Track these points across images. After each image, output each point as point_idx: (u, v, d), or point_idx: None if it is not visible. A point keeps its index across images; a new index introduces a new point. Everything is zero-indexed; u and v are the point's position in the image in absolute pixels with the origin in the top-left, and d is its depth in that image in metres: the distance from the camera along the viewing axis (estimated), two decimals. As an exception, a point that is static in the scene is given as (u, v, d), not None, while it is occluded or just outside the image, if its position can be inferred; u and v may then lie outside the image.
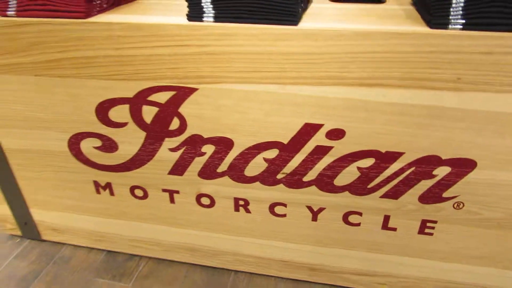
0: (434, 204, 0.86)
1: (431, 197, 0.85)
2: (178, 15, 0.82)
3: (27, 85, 0.91)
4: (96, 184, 1.04)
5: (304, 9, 0.83)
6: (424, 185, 0.84)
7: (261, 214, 0.98)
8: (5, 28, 0.84)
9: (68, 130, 0.96)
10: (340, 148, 0.83)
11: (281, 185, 0.92)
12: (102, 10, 0.87)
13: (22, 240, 1.26)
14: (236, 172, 0.92)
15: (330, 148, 0.83)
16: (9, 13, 0.84)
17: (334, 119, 0.79)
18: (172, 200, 1.02)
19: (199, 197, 0.99)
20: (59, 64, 0.86)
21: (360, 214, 0.92)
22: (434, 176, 0.82)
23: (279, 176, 0.90)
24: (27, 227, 1.21)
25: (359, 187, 0.87)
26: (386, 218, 0.91)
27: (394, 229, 0.92)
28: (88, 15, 0.82)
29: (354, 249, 0.98)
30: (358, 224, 0.94)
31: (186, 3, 0.77)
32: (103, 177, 1.02)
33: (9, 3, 0.84)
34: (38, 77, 0.89)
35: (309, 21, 0.76)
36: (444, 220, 0.88)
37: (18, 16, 0.83)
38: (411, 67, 0.71)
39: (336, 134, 0.81)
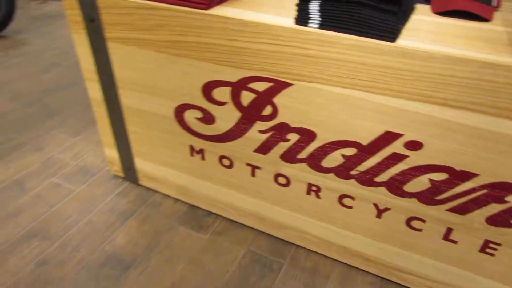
0: (501, 228, 0.89)
1: (499, 220, 0.88)
2: (285, 15, 0.90)
3: (148, 58, 1.08)
4: (191, 148, 1.21)
5: (405, 23, 0.87)
6: (494, 208, 0.86)
7: (329, 202, 1.07)
8: (139, 9, 1.00)
9: (177, 100, 1.12)
10: (415, 159, 0.88)
11: (353, 181, 1.00)
12: (221, 2, 0.98)
13: (123, 182, 1.49)
14: (314, 161, 1.02)
15: (406, 156, 0.89)
16: (145, -3, 0.99)
17: (414, 131, 0.85)
18: (253, 174, 1.15)
19: (277, 176, 1.11)
20: (178, 45, 1.01)
21: (423, 221, 0.97)
22: (506, 202, 0.84)
23: (353, 172, 0.98)
24: (129, 172, 1.44)
25: (427, 197, 0.92)
26: (449, 230, 0.95)
27: (455, 242, 0.96)
28: (209, 6, 0.94)
29: (411, 250, 1.04)
30: (420, 230, 0.99)
31: None
32: (198, 143, 1.18)
33: (147, -12, 0.98)
34: (158, 53, 1.05)
35: (407, 37, 0.80)
36: (508, 244, 0.90)
37: (152, 0, 0.98)
38: (500, 97, 0.73)
39: (414, 145, 0.86)
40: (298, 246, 1.25)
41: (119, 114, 1.27)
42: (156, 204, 1.40)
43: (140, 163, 1.39)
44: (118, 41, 1.09)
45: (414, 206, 0.96)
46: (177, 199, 1.41)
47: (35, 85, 2.16)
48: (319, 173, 1.03)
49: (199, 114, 1.11)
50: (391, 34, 0.77)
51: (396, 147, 0.89)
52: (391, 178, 0.94)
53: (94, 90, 1.26)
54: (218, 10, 0.94)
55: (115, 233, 1.28)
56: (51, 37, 2.81)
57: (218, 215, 1.35)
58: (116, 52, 1.12)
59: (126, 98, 1.22)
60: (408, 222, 0.99)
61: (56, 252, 1.21)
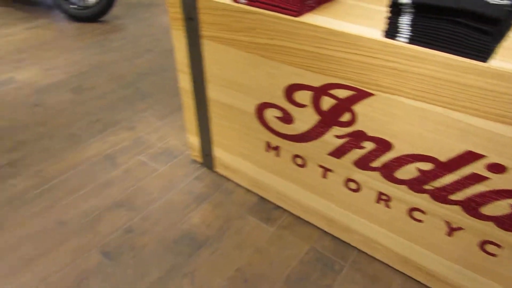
0: None
1: None
2: (374, 26, 0.92)
3: (238, 57, 1.15)
4: (268, 144, 1.27)
5: (499, 42, 0.84)
6: None
7: (399, 212, 1.08)
8: (234, 12, 1.07)
9: (259, 98, 1.18)
10: (497, 182, 0.86)
11: (426, 195, 0.99)
12: (311, 9, 1.02)
13: (201, 167, 1.61)
14: (387, 171, 1.03)
15: (486, 178, 0.87)
16: (241, 1, 1.06)
17: (499, 154, 0.82)
18: (324, 176, 1.19)
19: (347, 180, 1.14)
20: (266, 48, 1.07)
21: (498, 246, 0.94)
22: None
23: (427, 187, 0.98)
24: (207, 158, 1.55)
25: (507, 223, 0.89)
26: (526, 260, 0.91)
27: (531, 272, 0.92)
28: (299, 14, 0.98)
29: (481, 274, 1.01)
30: (494, 255, 0.96)
31: (378, 8, 0.86)
32: (275, 140, 1.24)
33: (243, -7, 1.05)
34: (248, 53, 1.12)
35: (498, 57, 0.78)
36: None
37: (247, 4, 1.05)
38: None
39: (497, 168, 0.84)
40: (361, 251, 1.27)
41: (204, 105, 1.37)
42: (228, 192, 1.49)
43: (218, 152, 1.49)
44: (212, 39, 1.18)
45: (490, 230, 0.93)
46: (249, 190, 1.50)
47: (130, 69, 2.38)
48: (391, 183, 1.04)
49: (279, 114, 1.17)
50: (484, 54, 0.76)
51: (477, 167, 0.87)
52: (468, 198, 0.92)
53: (185, 81, 1.37)
54: (308, 18, 0.98)
55: (191, 214, 1.40)
56: (146, 23, 3.05)
57: (286, 210, 1.41)
58: (209, 49, 1.21)
59: (213, 91, 1.31)
60: (482, 245, 0.97)
61: (140, 222, 1.35)
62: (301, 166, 1.23)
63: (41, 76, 2.27)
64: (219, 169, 1.55)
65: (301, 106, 1.10)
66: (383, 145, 0.99)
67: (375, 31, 0.90)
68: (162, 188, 1.50)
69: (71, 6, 2.96)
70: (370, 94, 0.94)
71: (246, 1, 1.05)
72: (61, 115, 1.93)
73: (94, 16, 2.95)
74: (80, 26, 2.96)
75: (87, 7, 2.94)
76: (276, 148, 1.26)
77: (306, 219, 1.36)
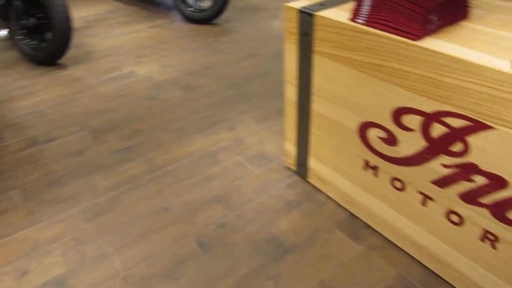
0: None
1: None
2: (500, 55, 0.86)
3: (349, 75, 1.17)
4: (366, 162, 1.27)
5: None
6: None
7: (507, 256, 1.00)
8: (350, 31, 1.09)
9: (364, 116, 1.19)
10: None
11: (542, 243, 0.91)
12: (431, 33, 1.00)
13: (293, 175, 1.66)
14: (498, 210, 0.96)
15: None
16: (358, 21, 1.07)
17: None
18: (423, 203, 1.15)
19: (449, 212, 1.08)
20: (379, 68, 1.06)
21: None
22: None
23: (544, 234, 0.89)
24: (301, 168, 1.59)
25: None
26: None
27: None
28: (419, 38, 0.97)
29: None
30: None
31: (506, 34, 0.81)
32: (374, 160, 1.23)
33: (361, 13, 1.06)
34: (359, 72, 1.13)
35: None
36: None
37: (364, 24, 1.06)
38: None
39: None
40: (453, 287, 1.20)
41: (307, 117, 1.41)
42: (319, 203, 1.51)
43: (313, 162, 1.52)
44: (324, 55, 1.21)
45: None
46: (339, 204, 1.50)
47: (236, 71, 2.52)
48: (501, 223, 0.97)
49: (383, 134, 1.16)
50: None
51: None
52: None
53: (291, 92, 1.43)
54: (428, 42, 0.95)
55: (281, 219, 1.45)
56: (253, 27, 3.19)
57: (375, 230, 1.39)
58: (319, 64, 1.24)
59: (317, 104, 1.34)
60: None
61: (234, 220, 1.44)
62: (399, 189, 1.20)
63: (158, 72, 2.52)
64: (312, 180, 1.58)
65: (408, 130, 1.07)
66: (497, 182, 0.93)
67: (502, 61, 0.85)
68: (256, 190, 1.58)
69: (189, 8, 3.22)
70: (489, 127, 0.89)
71: (363, 21, 1.06)
72: (172, 110, 2.12)
73: (207, 18, 3.17)
74: (194, 27, 3.21)
75: (202, 10, 3.18)
76: (374, 168, 1.25)
77: (397, 243, 1.33)
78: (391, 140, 1.14)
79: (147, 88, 2.33)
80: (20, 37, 2.59)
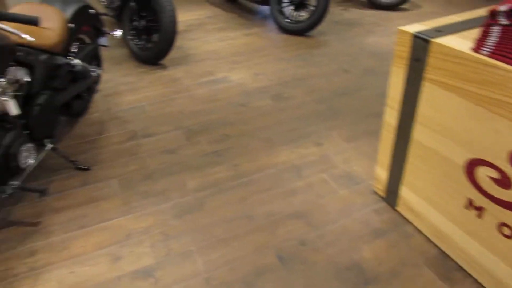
0: None
1: None
2: None
3: (462, 107, 1.09)
4: (470, 201, 1.17)
5: None
6: None
7: None
8: (472, 62, 1.02)
9: (474, 152, 1.10)
10: None
11: None
12: None
13: (381, 201, 1.59)
14: None
15: None
16: (483, 52, 1.00)
17: None
18: (535, 257, 1.03)
19: None
20: (500, 104, 0.98)
21: None
22: None
23: None
24: (391, 195, 1.52)
25: None
26: None
27: None
28: (557, 76, 0.87)
29: None
30: None
31: None
32: (480, 200, 1.14)
33: (487, 45, 0.99)
34: (475, 106, 1.05)
35: None
36: None
37: (489, 56, 0.98)
38: None
39: None
40: None
41: (406, 144, 1.35)
42: (407, 235, 1.43)
43: (404, 192, 1.44)
44: (435, 83, 1.14)
45: None
46: (429, 239, 1.41)
47: (326, 85, 2.50)
48: None
49: (495, 175, 1.06)
50: None
51: None
52: None
53: (391, 117, 1.37)
54: None
55: (364, 246, 1.40)
56: (347, 42, 3.14)
57: (470, 275, 1.28)
58: (428, 92, 1.18)
59: (419, 133, 1.27)
60: None
61: (315, 239, 1.43)
62: (508, 237, 1.09)
63: (250, 79, 2.59)
64: (401, 209, 1.50)
65: (528, 175, 0.97)
66: None
67: None
68: (340, 211, 1.54)
69: (285, 19, 3.27)
70: None
71: (488, 53, 0.99)
72: (261, 118, 2.16)
73: (302, 30, 3.19)
74: (288, 38, 3.24)
75: (298, 22, 3.20)
76: (479, 209, 1.15)
77: (494, 294, 1.21)
78: (504, 182, 1.04)
79: (238, 95, 2.41)
80: (130, 37, 2.83)
